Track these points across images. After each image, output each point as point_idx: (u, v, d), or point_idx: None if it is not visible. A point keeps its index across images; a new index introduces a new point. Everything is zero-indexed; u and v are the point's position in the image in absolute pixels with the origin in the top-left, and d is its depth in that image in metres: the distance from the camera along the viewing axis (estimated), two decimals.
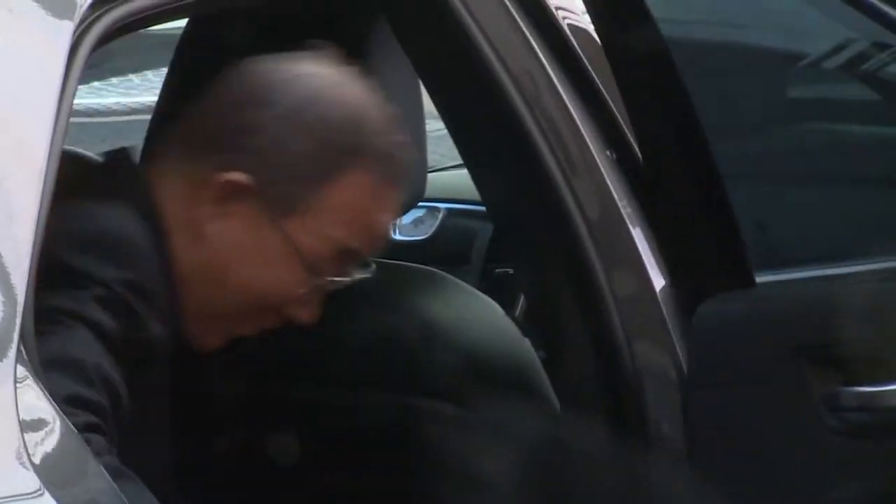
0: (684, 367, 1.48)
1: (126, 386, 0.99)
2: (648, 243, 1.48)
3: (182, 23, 1.53)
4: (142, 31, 1.11)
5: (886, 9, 1.86)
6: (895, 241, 1.65)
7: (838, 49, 2.12)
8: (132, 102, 5.61)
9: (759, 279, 1.54)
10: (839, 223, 1.77)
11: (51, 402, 0.84)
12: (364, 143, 1.11)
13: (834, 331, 1.52)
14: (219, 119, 1.11)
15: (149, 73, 5.63)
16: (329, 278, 1.13)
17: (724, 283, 1.52)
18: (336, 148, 1.10)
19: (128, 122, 5.24)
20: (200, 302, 1.11)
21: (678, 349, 1.47)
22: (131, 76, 5.97)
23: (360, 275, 1.16)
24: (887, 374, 1.56)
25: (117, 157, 1.15)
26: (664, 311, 1.46)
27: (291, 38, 1.19)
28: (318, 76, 1.11)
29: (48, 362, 0.88)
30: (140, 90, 5.64)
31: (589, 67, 1.50)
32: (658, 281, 1.48)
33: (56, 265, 0.94)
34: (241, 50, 1.23)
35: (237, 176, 1.09)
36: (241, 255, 1.11)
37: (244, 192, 1.09)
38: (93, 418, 0.92)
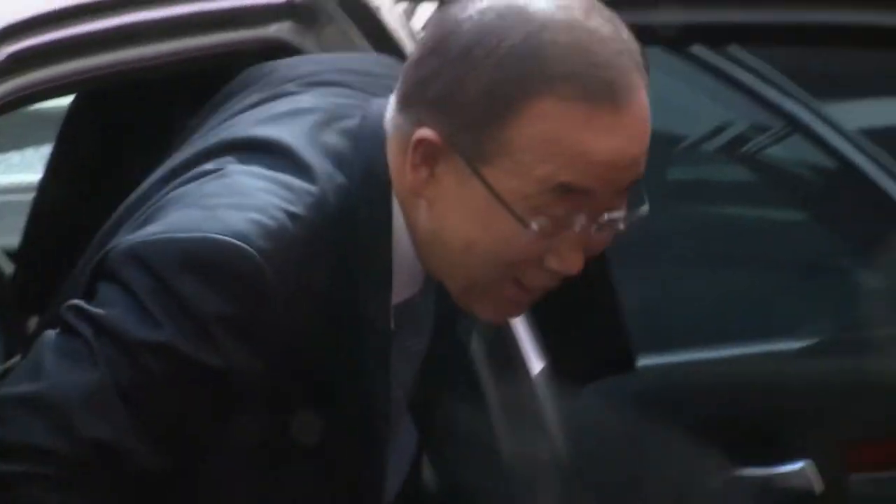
0: (564, 453, 1.40)
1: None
2: (528, 326, 1.38)
3: (66, 100, 1.52)
4: (23, 109, 1.09)
5: (764, 91, 1.91)
6: (776, 322, 1.69)
7: (717, 131, 2.17)
8: (9, 183, 5.50)
9: (642, 362, 1.51)
10: (721, 305, 1.80)
11: None
12: (544, 67, 0.98)
13: (723, 411, 1.53)
14: (409, 74, 1.04)
15: (29, 151, 5.53)
16: (568, 230, 0.99)
17: (605, 367, 1.48)
18: (512, 80, 0.98)
19: (5, 202, 5.12)
20: (445, 275, 1.04)
21: (557, 436, 1.39)
22: (11, 153, 5.86)
23: (628, 218, 1.01)
24: (781, 454, 1.54)
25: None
26: (543, 397, 1.38)
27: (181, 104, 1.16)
28: (490, 11, 1.00)
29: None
30: (20, 168, 5.54)
31: None
32: (537, 365, 1.40)
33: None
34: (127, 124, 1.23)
35: (424, 132, 1.00)
36: (459, 217, 1.02)
37: (438, 148, 1.01)
38: (35, 468, 0.91)
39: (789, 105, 2.08)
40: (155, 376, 0.93)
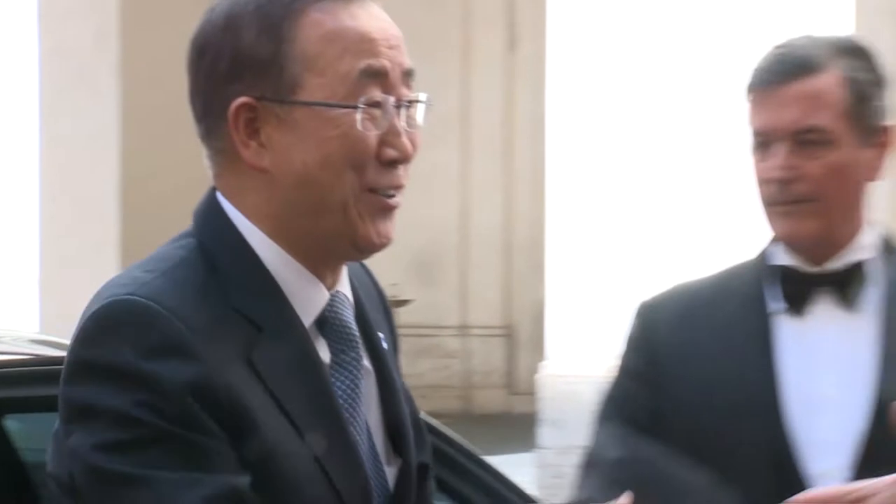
0: None
1: None
2: None
3: None
4: None
5: None
6: None
7: None
8: None
9: None
10: None
11: None
12: None
13: None
14: (193, 101, 1.15)
15: None
16: (379, 150, 1.11)
17: None
18: (277, 14, 1.10)
19: None
20: (320, 220, 1.11)
21: None
22: None
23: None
24: None
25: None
26: None
27: None
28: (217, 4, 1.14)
29: None
30: None
31: None
32: None
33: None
34: None
35: (233, 105, 1.09)
36: (301, 154, 1.10)
37: (252, 107, 1.09)
38: None
39: None
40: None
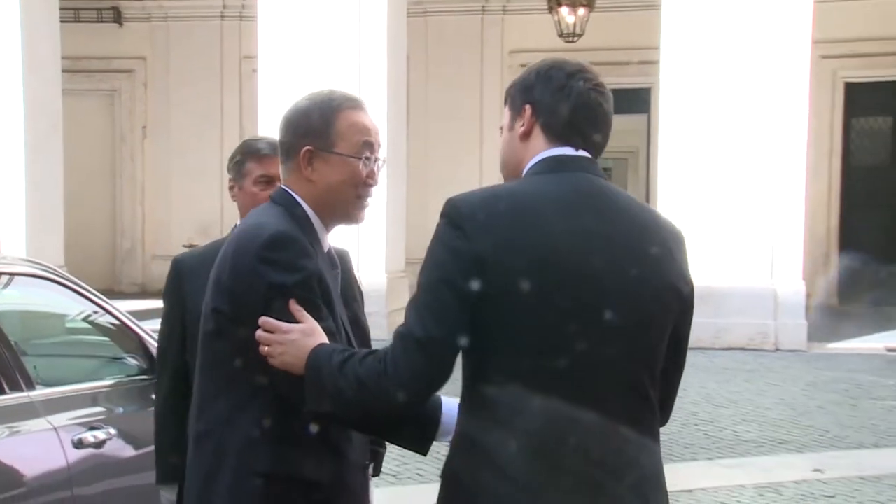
0: None
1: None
2: None
3: None
4: None
5: None
6: None
7: None
8: None
9: None
10: None
11: None
12: (337, 102, 2.30)
13: None
14: (282, 147, 2.35)
15: None
16: (366, 179, 2.29)
17: None
18: (327, 110, 2.29)
19: None
20: (337, 210, 2.30)
21: None
22: None
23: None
24: None
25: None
26: None
27: None
28: (301, 101, 2.34)
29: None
30: None
31: None
32: None
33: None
34: None
35: (303, 150, 2.27)
36: (330, 176, 2.26)
37: (312, 152, 2.26)
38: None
39: None
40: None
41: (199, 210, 16.08)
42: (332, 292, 2.21)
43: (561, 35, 14.54)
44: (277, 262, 2.11)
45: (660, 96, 11.23)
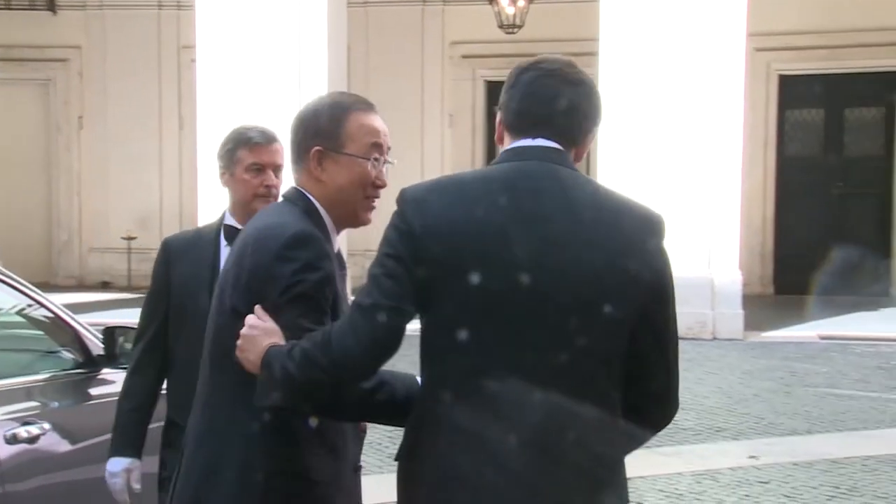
0: None
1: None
2: None
3: None
4: None
5: None
6: None
7: None
8: None
9: None
10: None
11: None
12: (348, 103, 2.35)
13: None
14: (292, 148, 2.36)
15: None
16: (374, 181, 2.31)
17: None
18: (338, 111, 2.33)
19: None
20: (345, 210, 2.32)
21: None
22: None
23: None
24: None
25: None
26: None
27: None
28: (313, 101, 2.39)
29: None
30: None
31: None
32: None
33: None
34: None
35: (312, 151, 2.30)
36: (340, 177, 2.29)
37: (321, 152, 2.29)
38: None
39: None
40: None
41: (137, 201, 15.88)
42: (339, 294, 2.23)
43: (501, 26, 14.58)
44: (298, 261, 2.13)
45: (598, 87, 11.29)
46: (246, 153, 3.07)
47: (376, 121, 2.31)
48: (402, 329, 1.99)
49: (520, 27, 14.55)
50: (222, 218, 3.15)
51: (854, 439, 6.68)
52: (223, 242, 3.10)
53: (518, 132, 2.06)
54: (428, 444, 1.99)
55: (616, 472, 2.05)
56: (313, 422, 2.16)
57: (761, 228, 15.04)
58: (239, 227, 3.09)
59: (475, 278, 1.94)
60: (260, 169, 3.06)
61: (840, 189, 15.10)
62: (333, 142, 2.26)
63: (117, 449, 3.13)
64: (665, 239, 2.04)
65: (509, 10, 14.55)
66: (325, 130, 2.27)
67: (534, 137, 2.04)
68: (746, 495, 5.61)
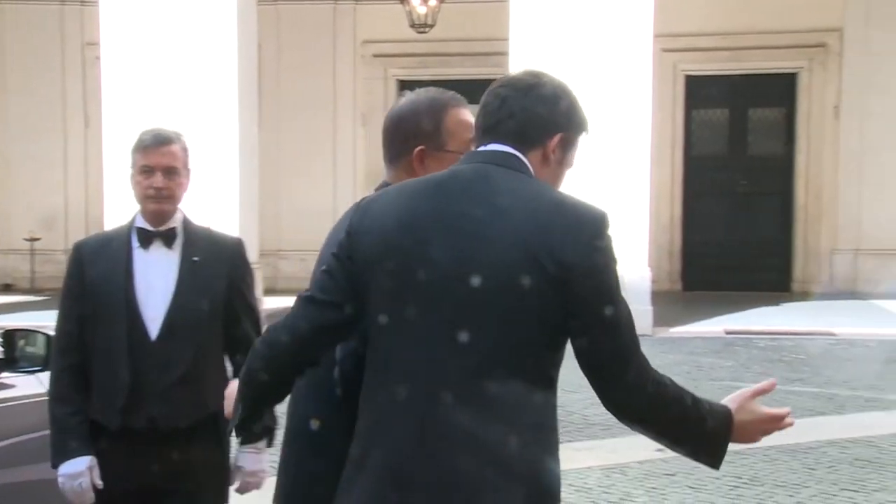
0: None
1: None
2: None
3: None
4: None
5: None
6: None
7: None
8: None
9: None
10: None
11: None
12: (445, 101, 2.41)
13: None
14: (386, 145, 2.46)
15: None
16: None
17: None
18: (435, 110, 2.39)
19: None
20: None
21: None
22: None
23: None
24: None
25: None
26: None
27: None
28: (408, 101, 2.43)
29: None
30: None
31: None
32: None
33: None
34: None
35: (416, 151, 2.36)
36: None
37: (424, 151, 2.35)
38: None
39: None
40: None
41: (41, 202, 15.51)
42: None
43: (413, 25, 14.60)
44: None
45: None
46: (139, 156, 3.13)
47: (469, 115, 2.35)
48: (336, 321, 2.11)
49: (431, 27, 14.58)
50: (133, 220, 3.15)
51: None
52: (135, 244, 3.11)
53: (479, 142, 2.18)
54: (360, 424, 2.11)
55: (519, 454, 2.02)
56: (314, 423, 2.21)
57: (669, 226, 15.33)
58: (150, 228, 3.11)
59: (391, 271, 2.05)
60: (149, 171, 3.09)
61: (744, 187, 15.47)
62: (436, 140, 2.31)
63: (72, 451, 3.05)
64: (604, 234, 2.06)
65: (421, 10, 14.58)
66: (426, 130, 2.33)
67: (487, 144, 2.15)
68: (653, 488, 5.72)
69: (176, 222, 3.14)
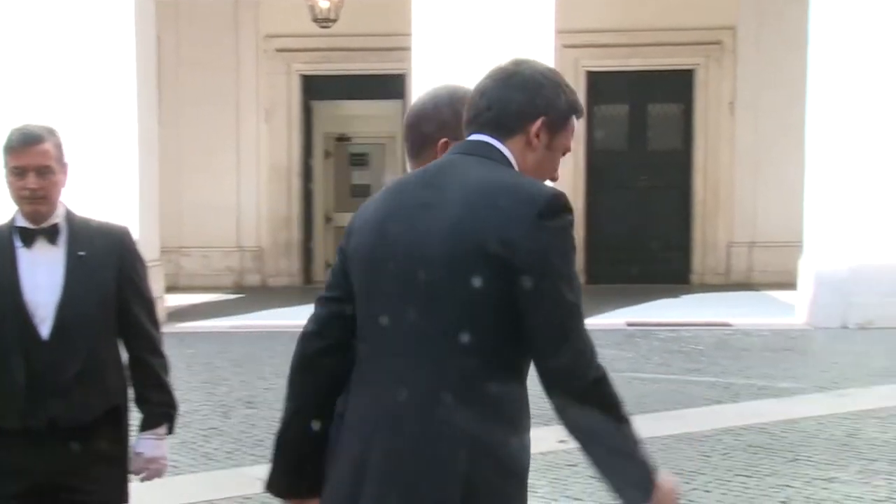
0: None
1: None
2: None
3: None
4: None
5: None
6: None
7: None
8: None
9: None
10: None
11: None
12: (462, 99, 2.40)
13: None
14: (408, 139, 2.51)
15: None
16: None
17: None
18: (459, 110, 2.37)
19: None
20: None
21: None
22: None
23: None
24: None
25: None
26: None
27: None
28: (428, 95, 2.53)
29: None
30: None
31: None
32: None
33: None
34: None
35: (442, 141, 2.43)
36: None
37: (447, 143, 2.37)
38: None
39: None
40: None
41: None
42: None
43: (316, 20, 14.52)
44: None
45: (412, 83, 11.44)
46: (8, 157, 3.05)
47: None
48: (339, 314, 2.24)
49: (334, 21, 14.52)
50: (13, 219, 3.09)
51: (655, 420, 7.01)
52: (18, 244, 3.05)
53: (465, 135, 2.26)
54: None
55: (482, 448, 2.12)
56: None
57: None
58: (31, 227, 3.05)
59: (366, 266, 2.19)
60: (21, 172, 3.02)
61: (645, 182, 15.77)
62: (457, 131, 2.32)
63: None
64: (554, 214, 2.06)
65: (323, 4, 14.50)
66: (448, 122, 2.39)
67: (469, 135, 2.23)
68: (556, 478, 5.81)
69: (58, 217, 3.07)
